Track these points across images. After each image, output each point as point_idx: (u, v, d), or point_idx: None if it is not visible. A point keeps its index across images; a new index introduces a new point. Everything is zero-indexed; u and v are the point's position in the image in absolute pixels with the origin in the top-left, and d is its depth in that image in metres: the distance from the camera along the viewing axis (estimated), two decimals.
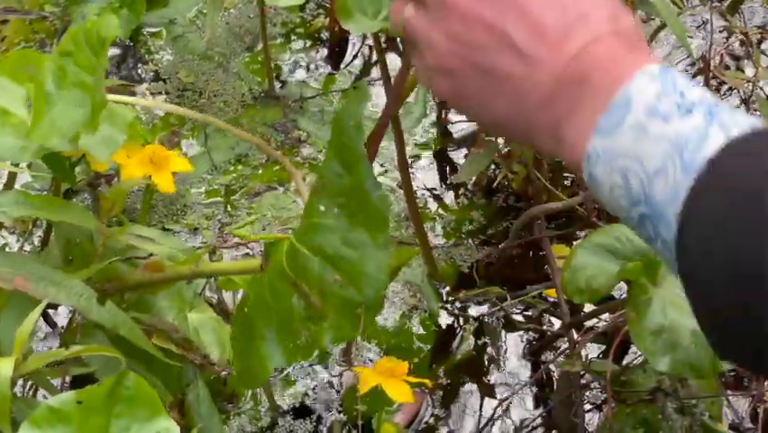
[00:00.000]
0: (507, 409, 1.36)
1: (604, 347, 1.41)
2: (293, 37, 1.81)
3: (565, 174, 1.56)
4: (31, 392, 1.16)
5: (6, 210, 0.93)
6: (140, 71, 1.75)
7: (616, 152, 0.60)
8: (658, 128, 0.59)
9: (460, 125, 1.65)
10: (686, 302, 1.12)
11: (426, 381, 0.99)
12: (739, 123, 0.58)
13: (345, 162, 0.92)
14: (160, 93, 1.71)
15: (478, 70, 0.66)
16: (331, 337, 0.92)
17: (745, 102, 1.55)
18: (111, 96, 1.00)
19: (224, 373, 1.35)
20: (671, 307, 1.14)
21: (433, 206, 1.58)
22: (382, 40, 1.27)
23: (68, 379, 1.13)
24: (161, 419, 0.88)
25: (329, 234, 0.95)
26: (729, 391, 1.38)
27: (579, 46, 0.63)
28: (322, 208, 0.92)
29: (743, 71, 1.62)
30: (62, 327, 1.38)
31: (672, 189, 0.57)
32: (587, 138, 0.61)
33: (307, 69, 1.77)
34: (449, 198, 1.60)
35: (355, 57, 1.78)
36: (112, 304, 0.99)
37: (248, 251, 1.50)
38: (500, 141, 1.48)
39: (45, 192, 1.41)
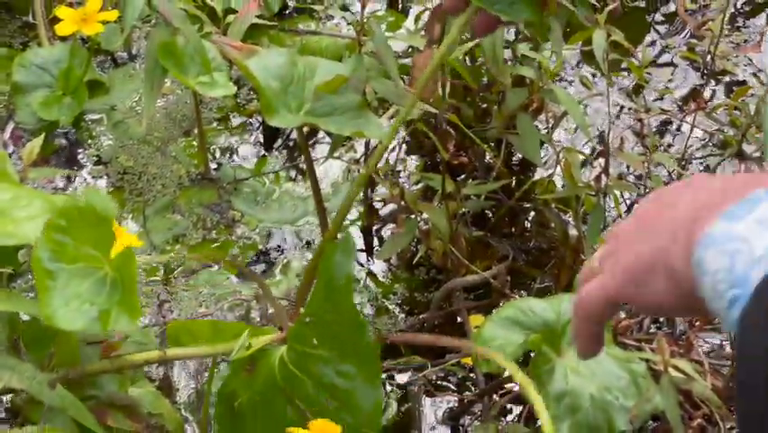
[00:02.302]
0: None
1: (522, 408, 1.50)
2: (228, 122, 1.91)
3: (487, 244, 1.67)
4: None
5: None
6: (81, 156, 1.83)
7: (733, 235, 0.61)
8: None
9: (385, 204, 1.76)
10: (585, 368, 1.24)
11: None
12: None
13: (337, 308, 1.06)
14: (101, 176, 1.79)
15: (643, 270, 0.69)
16: None
17: (640, 178, 1.68)
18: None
19: None
20: (572, 373, 1.24)
21: (361, 279, 1.68)
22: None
23: None
24: None
25: (322, 364, 1.08)
26: None
27: (699, 230, 0.64)
28: (315, 342, 1.04)
29: (648, 148, 1.74)
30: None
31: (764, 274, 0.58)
32: (709, 227, 0.63)
33: (241, 151, 1.86)
34: (378, 270, 1.69)
35: (287, 138, 1.89)
36: (61, 388, 1.08)
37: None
38: (419, 219, 1.60)
39: None
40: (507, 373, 1.41)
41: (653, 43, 2.10)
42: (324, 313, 1.09)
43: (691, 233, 0.64)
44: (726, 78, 2.02)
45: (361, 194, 1.78)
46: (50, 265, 1.06)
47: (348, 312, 1.08)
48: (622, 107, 1.94)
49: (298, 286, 1.26)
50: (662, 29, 2.14)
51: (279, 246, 1.71)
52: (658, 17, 2.16)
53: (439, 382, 1.55)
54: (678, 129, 1.92)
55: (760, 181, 0.64)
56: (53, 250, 1.07)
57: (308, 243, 1.72)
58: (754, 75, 2.01)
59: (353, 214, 1.76)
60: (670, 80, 2.02)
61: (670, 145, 1.89)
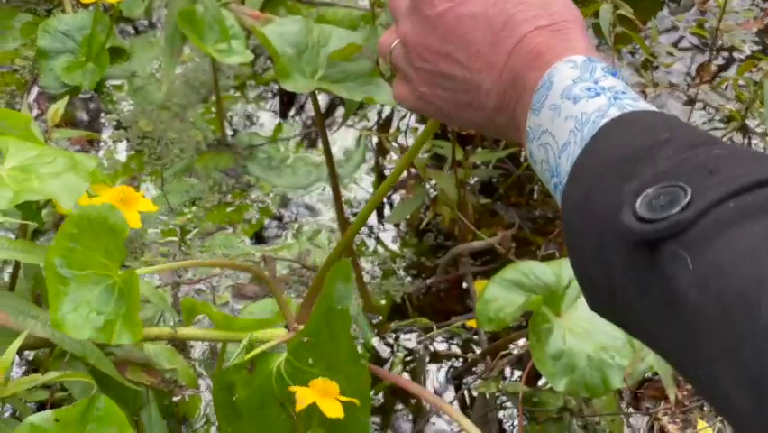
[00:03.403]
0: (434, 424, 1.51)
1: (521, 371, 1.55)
2: (245, 90, 1.96)
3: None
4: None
5: None
6: (103, 120, 1.88)
7: (541, 129, 0.66)
8: (568, 108, 0.64)
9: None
10: (583, 329, 1.29)
11: (355, 400, 1.11)
12: (636, 106, 0.62)
13: (334, 336, 1.11)
14: (121, 140, 1.85)
15: (444, 91, 0.75)
16: None
17: None
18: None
19: (176, 398, 1.49)
20: (570, 334, 1.29)
21: (371, 243, 1.73)
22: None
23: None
24: None
25: None
26: (629, 410, 1.52)
27: (507, 52, 0.70)
28: (310, 361, 1.09)
29: None
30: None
31: (571, 161, 0.63)
32: (526, 119, 0.68)
33: (258, 118, 1.92)
34: (388, 236, 1.75)
35: (302, 107, 1.94)
36: None
37: (202, 288, 1.64)
38: (428, 186, 1.64)
39: (13, 234, 1.52)
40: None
41: (663, 19, 2.14)
42: (321, 339, 1.12)
43: (515, 104, 0.70)
44: (734, 54, 2.06)
45: (373, 161, 1.83)
46: (63, 271, 1.07)
47: (344, 342, 1.11)
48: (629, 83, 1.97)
49: (308, 289, 1.29)
50: (673, 6, 2.17)
51: (292, 211, 1.76)
52: None
53: (444, 344, 1.60)
54: (686, 104, 1.95)
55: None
56: (65, 256, 1.07)
57: (319, 208, 1.77)
58: (762, 51, 2.05)
59: (366, 182, 1.81)
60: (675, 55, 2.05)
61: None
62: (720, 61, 2.06)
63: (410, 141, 1.79)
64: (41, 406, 1.25)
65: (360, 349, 1.55)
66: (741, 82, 1.80)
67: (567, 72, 0.66)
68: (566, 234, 0.62)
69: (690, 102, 1.87)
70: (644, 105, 0.63)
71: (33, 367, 1.46)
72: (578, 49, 0.68)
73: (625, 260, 0.55)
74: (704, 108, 1.92)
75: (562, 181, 0.63)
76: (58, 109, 1.31)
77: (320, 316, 1.12)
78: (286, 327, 1.20)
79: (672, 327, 0.53)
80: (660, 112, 0.62)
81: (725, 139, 1.79)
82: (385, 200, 1.79)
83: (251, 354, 1.15)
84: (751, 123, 1.75)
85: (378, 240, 1.73)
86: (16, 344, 1.01)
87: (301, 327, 1.16)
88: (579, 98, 0.64)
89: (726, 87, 1.87)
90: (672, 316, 0.52)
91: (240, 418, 1.19)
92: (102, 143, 1.85)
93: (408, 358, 1.58)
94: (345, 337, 1.11)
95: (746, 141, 1.77)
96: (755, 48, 2.06)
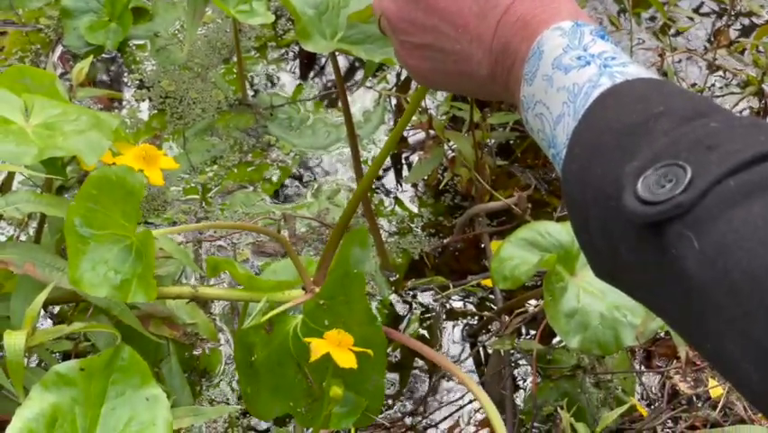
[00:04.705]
0: (449, 380, 1.54)
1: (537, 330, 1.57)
2: (265, 51, 1.97)
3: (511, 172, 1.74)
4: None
5: (20, 207, 1.09)
6: (126, 80, 1.91)
7: (535, 99, 0.67)
8: (559, 79, 0.65)
9: (414, 132, 1.83)
10: (596, 288, 1.31)
11: (369, 351, 1.13)
12: (627, 72, 0.63)
13: (349, 299, 1.12)
14: (144, 100, 1.87)
15: (432, 62, 0.77)
16: (332, 423, 1.12)
17: None
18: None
19: (197, 351, 1.52)
20: (583, 293, 1.30)
21: (389, 203, 1.75)
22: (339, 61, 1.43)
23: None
24: (151, 386, 1.05)
25: None
26: (641, 368, 1.54)
27: (495, 21, 0.71)
28: (326, 323, 1.11)
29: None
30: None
31: (567, 133, 0.64)
32: (520, 88, 0.69)
33: (278, 79, 1.94)
34: (406, 196, 1.77)
35: (322, 68, 1.96)
36: None
37: (223, 244, 1.67)
38: (447, 147, 1.66)
39: (39, 188, 1.54)
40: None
41: None
42: (336, 301, 1.13)
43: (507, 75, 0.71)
44: (753, 19, 2.07)
45: (392, 122, 1.85)
46: (82, 230, 1.08)
47: (359, 305, 1.13)
48: (643, 43, 1.98)
49: (325, 246, 1.30)
50: None
51: (312, 170, 1.79)
52: None
53: (460, 302, 1.63)
54: (706, 69, 1.96)
55: None
56: (85, 216, 1.09)
57: (338, 168, 1.79)
58: None
59: (384, 141, 1.83)
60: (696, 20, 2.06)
61: (694, 84, 1.94)
62: (738, 26, 2.06)
63: (429, 102, 1.81)
64: (66, 356, 1.28)
65: (377, 306, 1.58)
66: (759, 48, 1.80)
67: (556, 40, 0.66)
68: (568, 207, 0.63)
69: (708, 67, 1.88)
70: (634, 69, 0.64)
71: (59, 320, 1.49)
72: (564, 13, 0.68)
73: (629, 240, 0.56)
74: (722, 73, 1.93)
75: (560, 153, 0.64)
76: (82, 68, 1.33)
77: (336, 279, 1.14)
78: (303, 288, 1.22)
79: (679, 302, 0.54)
80: (651, 78, 0.63)
81: (738, 107, 1.80)
82: (403, 161, 1.81)
83: (267, 316, 1.17)
84: None
85: (396, 199, 1.75)
86: (43, 295, 1.03)
87: (317, 289, 1.18)
88: (569, 68, 0.64)
89: (744, 51, 1.88)
90: (680, 292, 0.54)
91: (258, 377, 1.22)
92: (125, 103, 1.87)
93: (425, 316, 1.60)
94: (360, 300, 1.13)
95: (762, 104, 1.78)
96: None
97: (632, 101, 0.60)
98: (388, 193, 1.76)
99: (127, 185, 1.12)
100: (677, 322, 0.57)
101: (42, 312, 1.55)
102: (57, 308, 1.49)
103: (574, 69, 0.64)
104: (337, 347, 1.09)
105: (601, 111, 0.62)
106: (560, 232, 1.36)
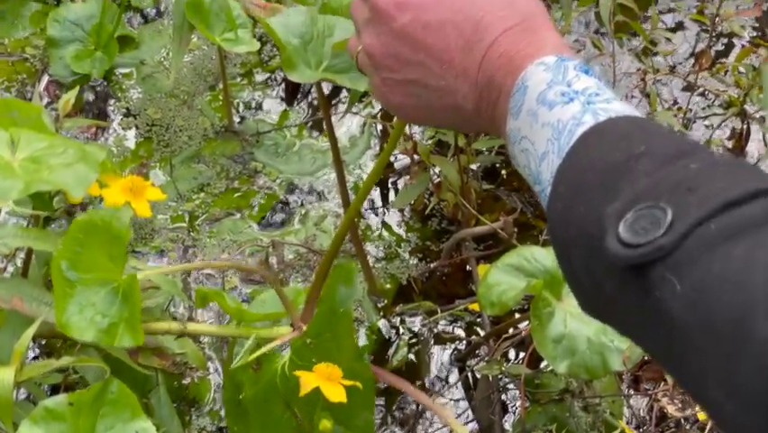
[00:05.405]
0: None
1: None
2: (251, 77, 1.98)
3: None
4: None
5: (7, 241, 1.10)
6: (112, 108, 1.91)
7: (521, 134, 0.67)
8: (544, 115, 0.65)
9: (400, 157, 1.83)
10: (584, 314, 1.31)
11: (357, 383, 1.13)
12: (610, 109, 0.63)
13: (336, 336, 1.12)
14: (131, 128, 1.88)
15: (415, 98, 0.76)
16: None
17: None
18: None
19: (186, 380, 1.52)
20: (570, 318, 1.30)
21: (376, 228, 1.76)
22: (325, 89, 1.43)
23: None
24: (141, 420, 1.05)
25: None
26: (629, 392, 1.55)
27: (479, 57, 0.71)
28: (314, 360, 1.11)
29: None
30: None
31: (551, 171, 0.64)
32: (506, 122, 0.69)
33: (264, 105, 1.94)
34: (393, 221, 1.77)
35: (307, 93, 1.96)
36: None
37: (212, 273, 1.67)
38: (432, 172, 1.67)
39: (26, 220, 1.53)
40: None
41: (663, 6, 2.16)
42: (324, 339, 1.14)
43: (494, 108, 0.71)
44: (734, 40, 2.08)
45: (378, 147, 1.86)
46: (69, 274, 1.08)
47: (346, 342, 1.13)
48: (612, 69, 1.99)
49: (314, 274, 1.31)
50: None
51: (299, 196, 1.79)
52: None
53: (448, 327, 1.63)
54: (685, 90, 1.98)
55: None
56: (71, 260, 1.09)
57: (325, 194, 1.79)
58: (761, 37, 2.07)
59: (371, 168, 1.83)
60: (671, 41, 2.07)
61: (676, 104, 1.95)
62: (720, 47, 2.08)
63: (414, 127, 1.81)
64: (55, 389, 1.28)
65: (365, 332, 1.58)
66: (740, 68, 1.82)
67: (540, 75, 0.66)
68: (553, 245, 0.63)
69: (690, 88, 1.89)
70: (618, 105, 0.64)
71: (47, 351, 1.49)
72: (548, 47, 0.69)
73: (613, 281, 0.57)
74: (703, 94, 1.94)
75: (545, 190, 0.64)
76: (69, 100, 1.33)
77: (322, 318, 1.14)
78: (291, 324, 1.22)
79: (662, 343, 0.55)
80: (635, 117, 0.63)
81: (720, 129, 1.81)
82: (390, 186, 1.81)
83: (255, 355, 1.17)
84: (750, 108, 1.78)
85: (384, 224, 1.76)
86: (31, 330, 1.04)
87: (305, 327, 1.17)
88: (554, 104, 0.65)
89: (726, 72, 1.90)
90: (663, 334, 0.54)
91: (247, 415, 1.22)
92: (111, 131, 1.87)
93: (413, 341, 1.61)
94: (348, 337, 1.13)
95: (745, 126, 1.79)
96: (755, 34, 2.08)
97: (615, 139, 0.61)
98: (375, 216, 1.77)
99: (113, 229, 1.12)
100: (661, 361, 0.58)
101: (30, 343, 1.55)
102: (45, 340, 1.48)
103: (558, 105, 0.64)
104: (326, 381, 1.10)
105: (584, 150, 0.62)
106: (545, 257, 1.36)
